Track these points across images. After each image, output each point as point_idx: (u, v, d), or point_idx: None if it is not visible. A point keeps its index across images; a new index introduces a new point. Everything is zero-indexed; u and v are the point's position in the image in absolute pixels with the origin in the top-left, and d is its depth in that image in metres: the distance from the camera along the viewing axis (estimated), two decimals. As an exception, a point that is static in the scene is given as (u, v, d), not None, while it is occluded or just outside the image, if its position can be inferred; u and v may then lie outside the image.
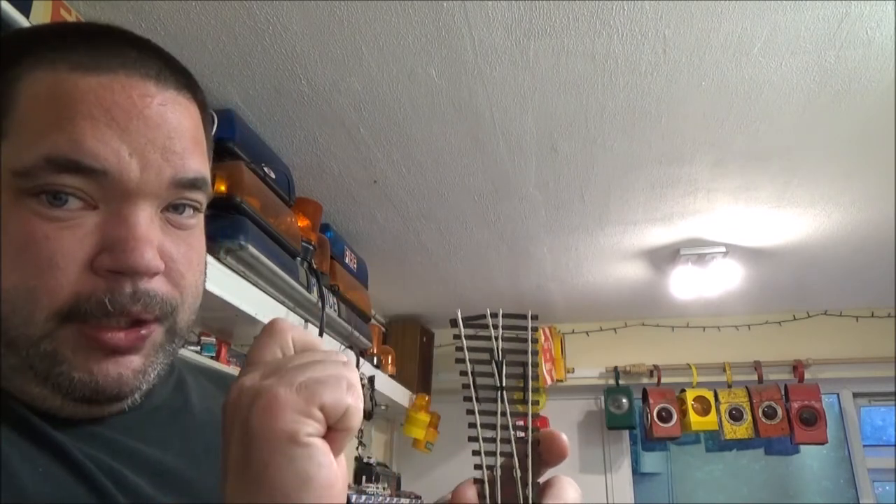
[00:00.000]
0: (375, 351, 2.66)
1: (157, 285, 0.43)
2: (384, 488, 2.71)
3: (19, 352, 0.41)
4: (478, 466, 0.39)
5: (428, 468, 3.36)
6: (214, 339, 1.68)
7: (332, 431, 0.33)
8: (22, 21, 1.07)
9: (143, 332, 0.43)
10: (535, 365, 0.41)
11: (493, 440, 0.40)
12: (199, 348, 1.63)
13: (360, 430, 2.80)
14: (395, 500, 2.70)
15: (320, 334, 1.90)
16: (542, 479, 0.39)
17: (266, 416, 0.32)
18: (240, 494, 0.32)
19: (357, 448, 2.81)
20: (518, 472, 0.39)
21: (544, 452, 0.39)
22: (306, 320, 1.91)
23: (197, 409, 0.54)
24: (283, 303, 1.77)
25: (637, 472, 3.33)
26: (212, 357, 1.67)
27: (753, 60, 1.52)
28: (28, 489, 0.38)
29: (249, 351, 0.37)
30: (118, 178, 0.41)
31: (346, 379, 0.34)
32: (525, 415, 0.41)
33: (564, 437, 0.40)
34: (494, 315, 0.43)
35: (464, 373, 0.41)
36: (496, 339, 0.42)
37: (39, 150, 0.40)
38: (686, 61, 1.52)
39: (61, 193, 0.41)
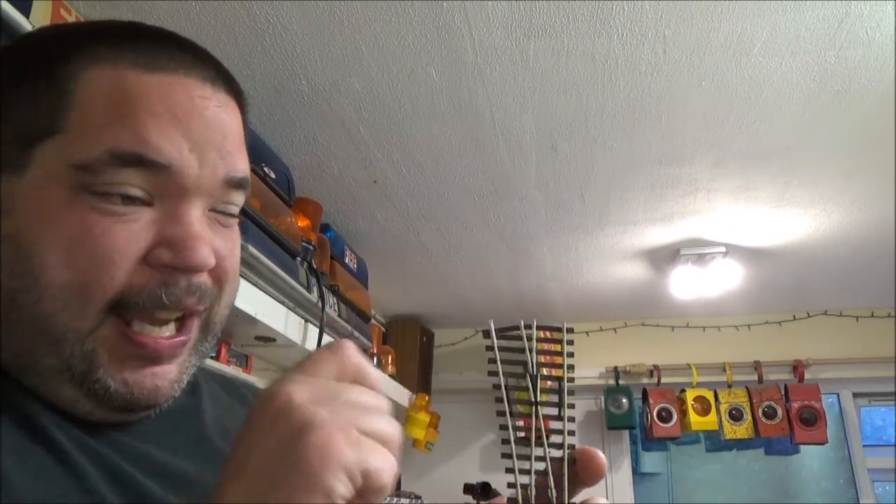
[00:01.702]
0: (375, 351, 2.66)
1: (205, 280, 0.44)
2: (384, 488, 2.70)
3: (62, 351, 0.41)
4: (511, 485, 0.38)
5: (428, 468, 3.36)
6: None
7: (356, 495, 0.32)
8: (22, 21, 1.07)
9: (184, 337, 0.44)
10: (571, 379, 0.40)
11: (527, 457, 0.38)
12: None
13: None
14: (395, 500, 2.70)
15: (320, 334, 1.90)
16: (577, 500, 0.38)
17: (316, 457, 0.30)
18: (238, 497, 0.32)
19: (357, 448, 2.80)
20: (553, 491, 0.37)
21: (581, 471, 0.38)
22: (306, 320, 1.91)
23: (208, 416, 0.54)
24: (283, 303, 1.77)
25: (637, 472, 3.33)
26: (211, 357, 1.67)
27: (753, 60, 1.52)
28: (23, 490, 0.37)
29: (306, 359, 0.36)
30: (179, 174, 0.42)
31: (395, 443, 0.33)
32: (560, 431, 0.39)
33: (602, 455, 0.39)
34: (528, 326, 0.41)
35: (497, 386, 0.40)
36: (530, 351, 0.40)
37: (103, 144, 0.40)
38: (686, 61, 1.52)
39: (122, 187, 0.41)
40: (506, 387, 0.40)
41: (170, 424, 0.49)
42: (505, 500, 0.38)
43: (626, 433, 3.28)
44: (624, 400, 3.16)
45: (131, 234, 0.41)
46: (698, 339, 3.29)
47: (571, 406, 0.41)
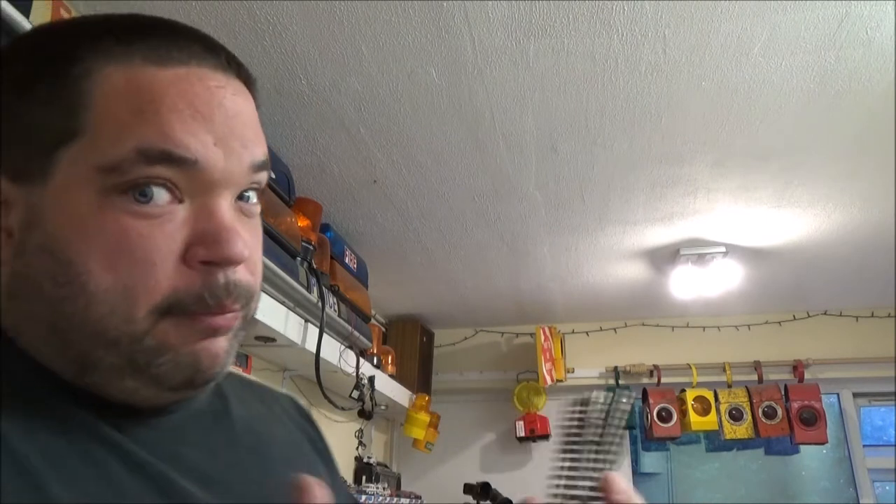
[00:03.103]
0: (375, 351, 2.66)
1: (242, 275, 0.44)
2: (384, 488, 2.71)
3: (121, 350, 0.41)
4: None
5: (428, 468, 3.36)
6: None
7: None
8: (22, 21, 1.07)
9: (233, 314, 0.45)
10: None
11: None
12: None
13: (360, 430, 2.80)
14: (395, 500, 2.70)
15: (320, 334, 1.90)
16: None
17: None
18: None
19: (357, 448, 2.81)
20: None
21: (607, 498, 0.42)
22: (306, 320, 1.91)
23: (235, 415, 0.54)
24: (283, 303, 1.77)
25: (637, 472, 3.33)
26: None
27: (753, 60, 1.52)
28: (89, 489, 0.38)
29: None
30: (206, 168, 0.42)
31: None
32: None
33: (621, 481, 0.45)
34: (605, 397, 0.45)
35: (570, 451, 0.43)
36: (602, 421, 0.44)
37: (128, 143, 0.40)
38: (686, 61, 1.52)
39: (153, 185, 0.41)
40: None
41: (201, 426, 0.50)
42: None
43: (626, 433, 3.28)
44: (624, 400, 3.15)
45: (168, 234, 0.41)
46: (698, 339, 3.29)
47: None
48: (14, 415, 0.38)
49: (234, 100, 0.45)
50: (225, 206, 0.44)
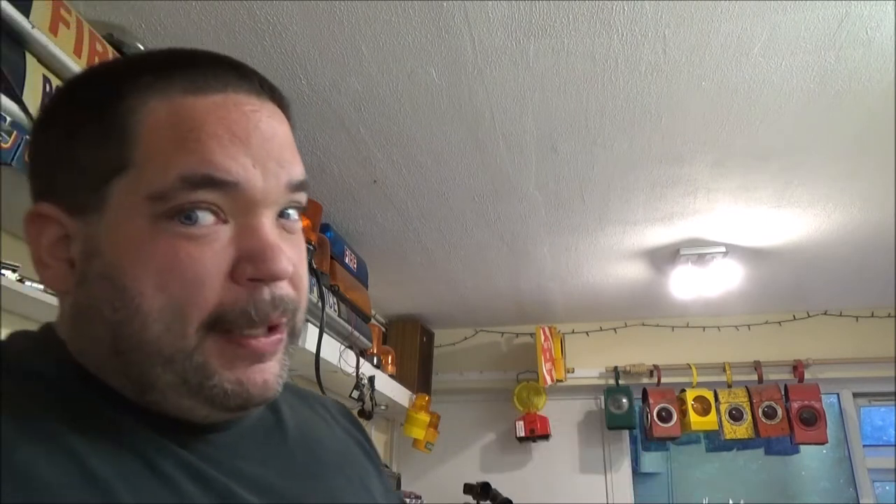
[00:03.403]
0: (375, 351, 2.66)
1: (286, 289, 0.47)
2: (384, 488, 2.71)
3: (175, 367, 0.44)
4: None
5: (428, 468, 3.36)
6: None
7: None
8: (22, 21, 1.07)
9: (278, 336, 0.47)
10: None
11: None
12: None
13: (360, 430, 2.80)
14: (395, 500, 2.70)
15: (320, 334, 1.90)
16: None
17: None
18: None
19: (357, 448, 2.80)
20: None
21: None
22: (306, 320, 1.91)
23: (288, 424, 0.56)
24: (283, 303, 1.76)
25: (637, 472, 3.33)
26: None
27: (753, 60, 1.52)
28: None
29: None
30: (247, 189, 0.45)
31: None
32: None
33: None
34: None
35: None
36: None
37: (173, 172, 0.43)
38: (686, 61, 1.52)
39: (197, 209, 0.43)
40: None
41: (256, 439, 0.52)
42: None
43: (626, 433, 3.28)
44: (624, 400, 3.16)
45: (215, 254, 0.44)
46: (698, 339, 3.29)
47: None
48: (85, 432, 0.41)
49: (269, 122, 0.48)
50: (267, 224, 0.46)
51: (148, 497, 0.40)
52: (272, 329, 0.46)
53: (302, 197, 0.50)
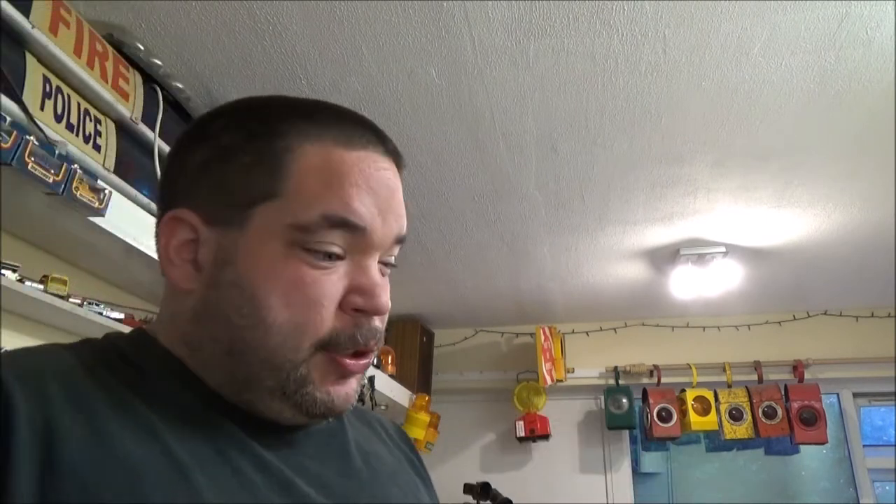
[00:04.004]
0: (375, 351, 2.66)
1: (380, 323, 0.54)
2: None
3: (280, 375, 0.50)
4: None
5: (428, 468, 3.34)
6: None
7: None
8: (22, 21, 1.07)
9: (367, 360, 0.54)
10: None
11: None
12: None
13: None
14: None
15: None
16: None
17: None
18: None
19: (357, 448, 2.80)
20: None
21: None
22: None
23: (350, 436, 0.62)
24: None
25: (637, 472, 3.33)
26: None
27: (753, 60, 1.52)
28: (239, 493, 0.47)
29: None
30: (370, 234, 0.52)
31: None
32: None
33: None
34: None
35: None
36: None
37: (317, 209, 0.50)
38: (686, 61, 1.52)
39: (329, 246, 0.50)
40: None
41: (319, 441, 0.58)
42: None
43: (626, 433, 3.28)
44: (624, 400, 3.16)
45: (332, 283, 0.51)
46: (698, 339, 3.29)
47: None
48: (173, 420, 0.47)
49: (394, 181, 0.55)
50: (375, 265, 0.54)
51: (219, 480, 0.46)
52: (363, 353, 0.53)
53: (398, 250, 0.57)
